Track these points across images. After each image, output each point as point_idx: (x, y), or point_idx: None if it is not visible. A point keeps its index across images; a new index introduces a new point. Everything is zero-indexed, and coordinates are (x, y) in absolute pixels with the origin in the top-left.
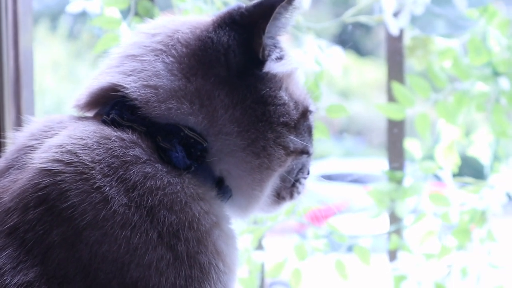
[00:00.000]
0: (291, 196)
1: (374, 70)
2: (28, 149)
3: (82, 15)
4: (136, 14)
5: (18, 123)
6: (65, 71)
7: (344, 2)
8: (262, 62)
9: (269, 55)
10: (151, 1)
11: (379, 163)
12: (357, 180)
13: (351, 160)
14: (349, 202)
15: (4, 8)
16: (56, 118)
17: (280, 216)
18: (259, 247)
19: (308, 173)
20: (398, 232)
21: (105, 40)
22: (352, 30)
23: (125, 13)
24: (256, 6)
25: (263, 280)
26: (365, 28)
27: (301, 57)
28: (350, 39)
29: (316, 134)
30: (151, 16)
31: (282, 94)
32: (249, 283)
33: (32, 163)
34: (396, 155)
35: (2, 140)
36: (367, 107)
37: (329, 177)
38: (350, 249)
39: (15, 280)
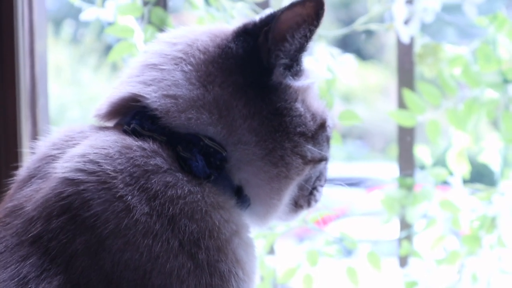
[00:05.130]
0: (309, 204)
1: (376, 74)
2: (50, 158)
3: (85, 20)
4: (149, 22)
5: (35, 131)
6: (68, 75)
7: (345, 6)
8: (270, 70)
9: (276, 64)
10: (164, 9)
11: (381, 167)
12: (359, 184)
13: (353, 164)
14: (351, 206)
15: (20, 16)
16: (77, 127)
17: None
18: (270, 251)
19: (326, 181)
20: (408, 238)
21: (119, 48)
22: (355, 35)
23: (138, 21)
24: (265, 16)
25: (276, 286)
26: (368, 32)
27: (313, 65)
28: (353, 43)
29: None
30: (164, 24)
31: (298, 105)
32: None
33: (55, 173)
34: (406, 162)
35: (20, 149)
36: (369, 111)
37: (331, 181)
38: (351, 253)
39: None
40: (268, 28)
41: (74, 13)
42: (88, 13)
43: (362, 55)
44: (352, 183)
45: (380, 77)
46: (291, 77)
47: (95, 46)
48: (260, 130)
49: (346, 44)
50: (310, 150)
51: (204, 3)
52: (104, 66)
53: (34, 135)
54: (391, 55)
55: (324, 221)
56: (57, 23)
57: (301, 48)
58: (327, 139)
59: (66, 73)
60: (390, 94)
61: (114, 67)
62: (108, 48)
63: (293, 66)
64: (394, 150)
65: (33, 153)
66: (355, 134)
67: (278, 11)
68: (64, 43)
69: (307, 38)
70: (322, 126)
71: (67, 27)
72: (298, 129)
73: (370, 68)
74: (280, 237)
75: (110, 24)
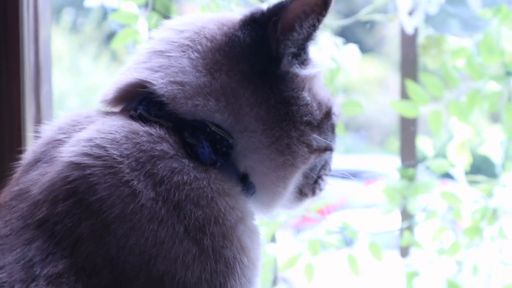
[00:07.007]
0: (313, 192)
1: (376, 67)
2: (57, 142)
3: (85, 9)
4: (154, 9)
5: (38, 117)
6: (67, 64)
7: None
8: (278, 60)
9: (284, 53)
10: None
11: (380, 160)
12: (357, 176)
13: (351, 156)
14: (349, 198)
15: (26, 3)
16: (83, 112)
17: None
18: (272, 240)
19: (330, 170)
20: (410, 228)
21: (122, 35)
22: (355, 28)
23: (142, 9)
24: (273, 5)
25: (276, 274)
26: (370, 24)
27: (317, 54)
28: (352, 35)
29: None
30: (168, 11)
31: (305, 94)
32: (263, 277)
33: (61, 157)
34: (408, 152)
35: (24, 133)
36: (368, 103)
37: (330, 173)
38: (352, 243)
39: (45, 271)
40: (277, 17)
41: (74, 1)
42: (92, 0)
43: (361, 48)
44: (351, 175)
45: (379, 69)
46: (298, 66)
47: (95, 35)
48: (267, 118)
49: (345, 36)
50: (316, 139)
51: None
52: (104, 55)
53: (38, 121)
54: (390, 47)
55: (323, 212)
56: (57, 11)
57: (309, 37)
58: (332, 128)
59: (66, 61)
60: (389, 87)
61: (114, 56)
62: (108, 37)
63: (301, 55)
64: (393, 143)
65: (38, 137)
66: (354, 126)
67: (286, 0)
68: (63, 31)
69: (315, 27)
70: (328, 114)
71: (67, 16)
72: (305, 118)
73: (369, 61)
74: (280, 227)
75: (113, 10)
